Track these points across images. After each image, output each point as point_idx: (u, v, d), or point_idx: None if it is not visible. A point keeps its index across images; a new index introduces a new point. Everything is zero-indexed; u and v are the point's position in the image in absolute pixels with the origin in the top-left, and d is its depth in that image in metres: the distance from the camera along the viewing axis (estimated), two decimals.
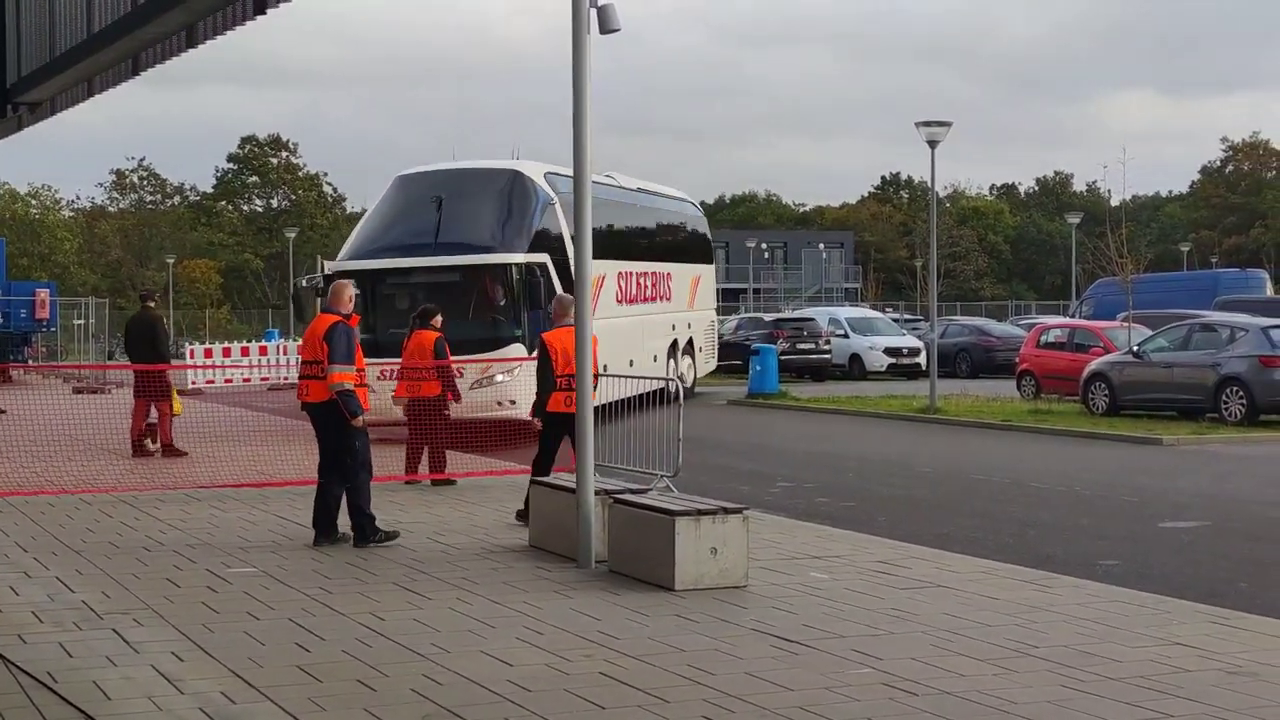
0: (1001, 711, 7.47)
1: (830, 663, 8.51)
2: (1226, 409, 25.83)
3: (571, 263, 25.67)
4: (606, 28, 11.69)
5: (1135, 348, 28.29)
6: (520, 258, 24.23)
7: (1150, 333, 29.70)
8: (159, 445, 20.30)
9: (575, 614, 9.91)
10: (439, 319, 18.40)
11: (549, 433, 13.96)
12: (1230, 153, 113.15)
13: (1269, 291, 48.99)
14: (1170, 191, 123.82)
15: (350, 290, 13.43)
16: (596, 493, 11.84)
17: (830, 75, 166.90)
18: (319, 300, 23.43)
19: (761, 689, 7.89)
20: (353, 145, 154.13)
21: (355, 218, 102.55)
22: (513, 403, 22.35)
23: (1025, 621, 9.68)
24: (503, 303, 24.23)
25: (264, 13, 10.14)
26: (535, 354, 14.80)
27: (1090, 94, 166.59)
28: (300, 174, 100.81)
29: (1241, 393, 25.63)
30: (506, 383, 22.95)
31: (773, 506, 16.03)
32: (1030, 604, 10.28)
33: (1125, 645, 8.98)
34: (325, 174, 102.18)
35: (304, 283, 23.83)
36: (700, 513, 10.88)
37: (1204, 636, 9.22)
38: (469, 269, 24.11)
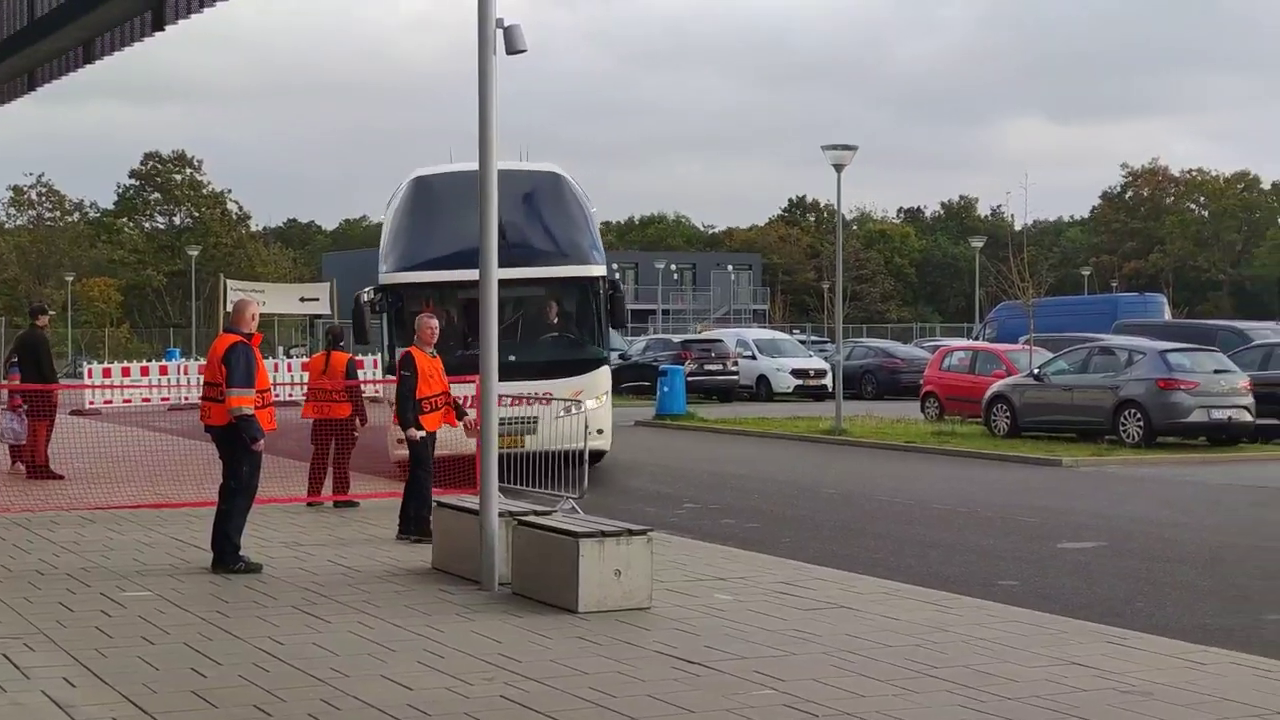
0: None
1: (732, 684, 8.51)
2: (1124, 431, 26.21)
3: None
4: (512, 49, 11.69)
5: (1036, 370, 28.65)
6: (602, 269, 21.64)
7: (1051, 355, 30.09)
8: (23, 466, 19.99)
9: (477, 637, 9.85)
10: (344, 340, 18.35)
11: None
12: (1130, 179, 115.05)
13: (1167, 315, 49.84)
14: (1072, 216, 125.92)
15: (253, 308, 13.14)
16: (500, 514, 11.79)
17: (730, 98, 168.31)
18: (378, 316, 20.37)
19: (662, 711, 7.88)
20: (251, 162, 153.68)
21: (259, 236, 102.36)
22: (600, 432, 20.52)
23: (926, 642, 9.74)
24: (589, 319, 21.54)
25: (162, 29, 10.03)
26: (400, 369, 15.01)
27: (984, 119, 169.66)
28: (204, 191, 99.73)
29: (1139, 415, 26.03)
30: (597, 410, 20.51)
31: (678, 528, 16.04)
32: (931, 624, 10.35)
33: (1023, 665, 9.06)
34: (229, 191, 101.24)
35: (364, 297, 20.43)
36: (604, 534, 10.86)
37: (1100, 656, 9.33)
38: (556, 281, 21.43)
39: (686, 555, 13.57)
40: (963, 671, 8.85)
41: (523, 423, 19.33)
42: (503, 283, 20.46)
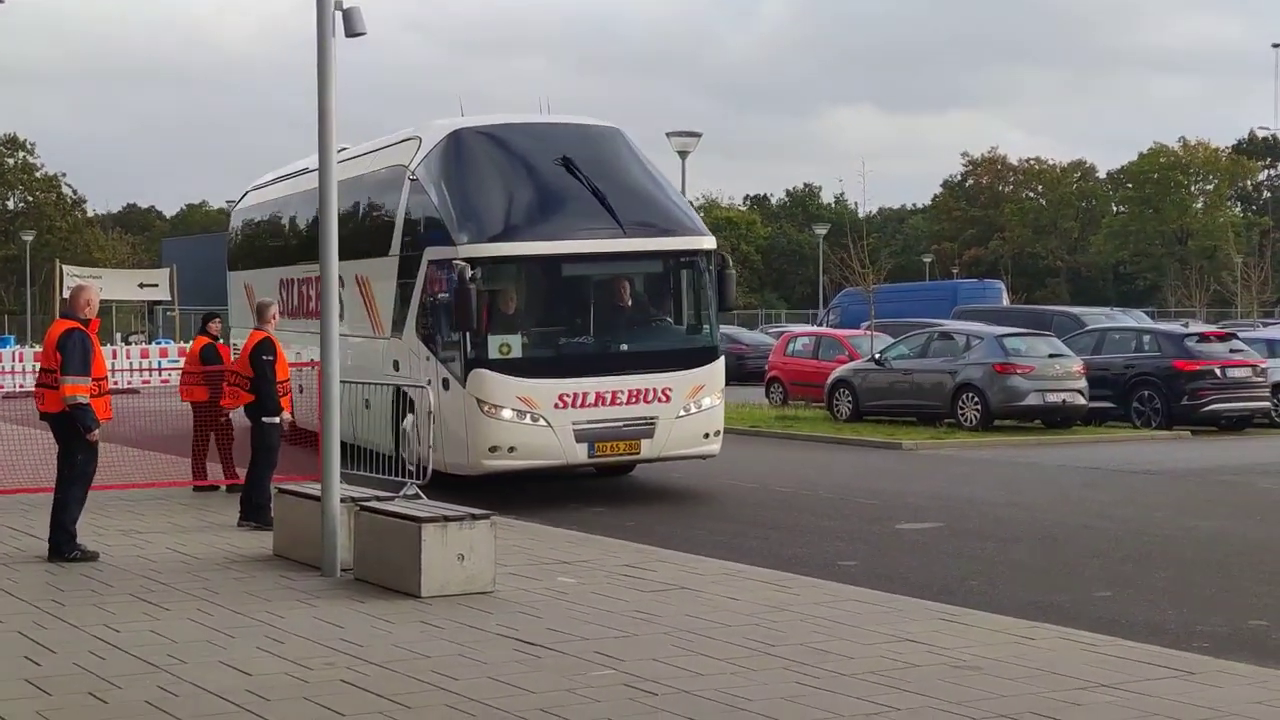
0: (736, 709, 7.65)
1: (572, 665, 8.59)
2: (963, 414, 26.74)
3: None
4: (351, 31, 11.61)
5: (877, 355, 29.11)
6: (713, 241, 18.18)
7: (892, 341, 30.58)
8: None
9: (318, 623, 9.81)
10: (217, 324, 17.73)
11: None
12: (970, 167, 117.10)
13: (1005, 301, 50.93)
14: (915, 204, 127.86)
15: (89, 294, 12.84)
16: (342, 500, 11.72)
17: (561, 87, 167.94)
18: (477, 294, 16.42)
19: (503, 692, 7.93)
20: (86, 148, 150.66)
21: (96, 222, 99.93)
22: (717, 434, 17.89)
23: (764, 621, 9.90)
24: (703, 301, 18.10)
25: None
26: (254, 351, 14.60)
27: (815, 109, 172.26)
28: (38, 175, 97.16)
29: (977, 398, 26.58)
30: (714, 409, 17.74)
31: (523, 512, 16.03)
32: (770, 604, 10.51)
33: (858, 642, 9.26)
34: (63, 175, 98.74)
35: (469, 272, 16.34)
36: (447, 519, 10.88)
37: (933, 633, 9.56)
38: (667, 256, 17.89)
39: (531, 539, 13.62)
40: (800, 649, 9.02)
41: (640, 424, 16.96)
42: (607, 257, 17.51)
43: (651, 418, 16.95)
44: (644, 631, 9.57)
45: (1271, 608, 11.31)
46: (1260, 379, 27.88)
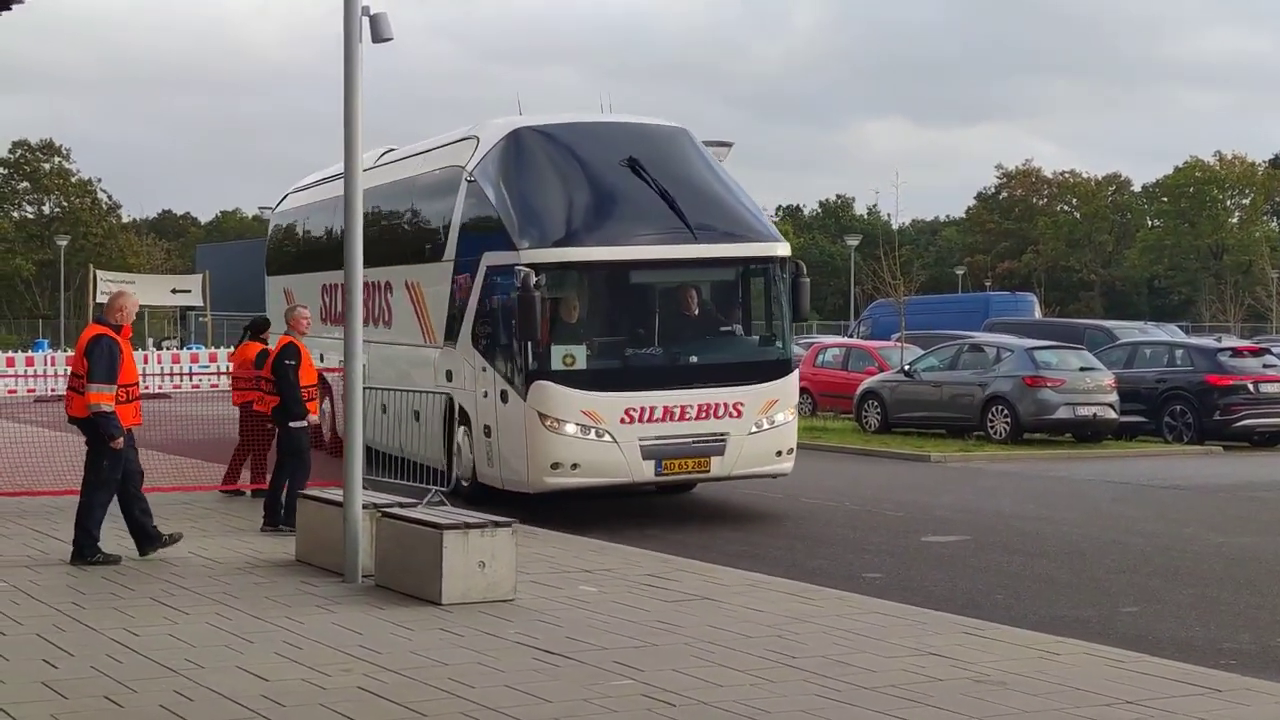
0: None
1: (591, 674, 8.53)
2: (992, 427, 26.59)
3: None
4: (378, 37, 11.59)
5: (907, 367, 28.97)
6: (787, 248, 17.28)
7: (922, 352, 30.43)
8: None
9: (337, 629, 9.78)
10: (269, 332, 17.60)
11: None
12: (1004, 179, 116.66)
13: (1037, 314, 50.71)
14: (949, 216, 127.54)
15: (124, 300, 12.79)
16: (365, 506, 11.70)
17: (582, 95, 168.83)
18: (541, 302, 15.48)
19: (520, 701, 7.88)
20: (121, 154, 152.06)
21: (130, 228, 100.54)
22: (790, 452, 17.10)
23: (786, 633, 9.82)
24: (776, 310, 17.24)
25: (9, 8, 9.80)
26: (277, 356, 14.61)
27: (843, 121, 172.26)
28: (73, 180, 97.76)
29: (1006, 411, 26.41)
30: (787, 425, 16.95)
31: (545, 521, 15.96)
32: (792, 616, 10.43)
33: (881, 655, 9.17)
34: (99, 180, 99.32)
35: (533, 280, 15.41)
36: (468, 526, 10.84)
37: (957, 647, 9.46)
38: (739, 263, 17.15)
39: (553, 548, 13.56)
40: (821, 661, 8.94)
41: (710, 441, 16.13)
42: (677, 263, 16.56)
43: (722, 434, 16.13)
44: (664, 641, 9.51)
45: None
46: None
